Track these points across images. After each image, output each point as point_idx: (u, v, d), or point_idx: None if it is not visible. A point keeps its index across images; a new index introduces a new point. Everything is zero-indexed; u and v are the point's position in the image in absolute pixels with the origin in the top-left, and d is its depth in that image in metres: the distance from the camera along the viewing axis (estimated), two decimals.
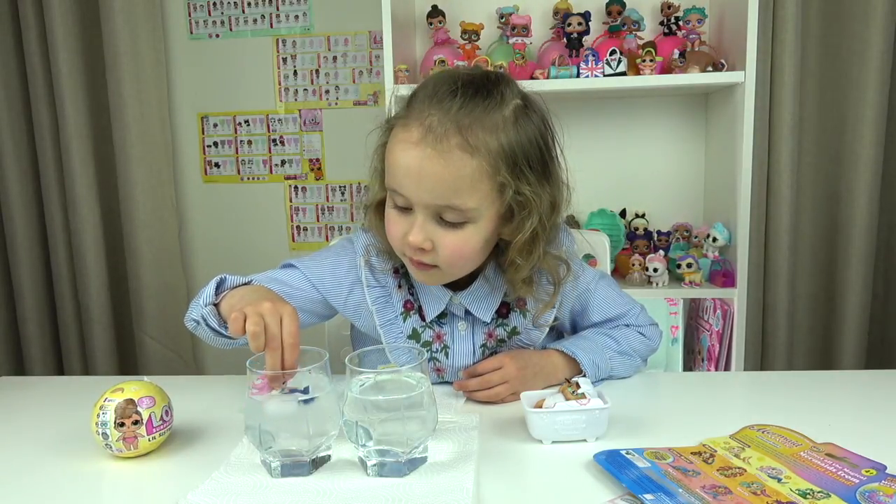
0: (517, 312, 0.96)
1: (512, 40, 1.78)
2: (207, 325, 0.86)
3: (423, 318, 0.95)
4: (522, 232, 0.83)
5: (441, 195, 0.80)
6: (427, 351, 0.95)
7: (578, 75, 1.67)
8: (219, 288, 0.87)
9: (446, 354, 0.96)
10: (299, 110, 2.17)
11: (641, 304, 1.06)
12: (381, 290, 0.95)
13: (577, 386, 0.81)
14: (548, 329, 0.99)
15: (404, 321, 0.95)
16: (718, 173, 1.84)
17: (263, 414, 0.71)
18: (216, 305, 0.86)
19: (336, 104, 2.15)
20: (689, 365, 1.88)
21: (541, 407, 0.79)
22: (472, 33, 1.80)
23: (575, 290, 0.99)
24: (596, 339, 0.99)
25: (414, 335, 0.95)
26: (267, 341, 0.71)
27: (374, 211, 0.91)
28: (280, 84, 2.17)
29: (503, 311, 0.96)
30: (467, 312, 0.95)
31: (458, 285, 0.93)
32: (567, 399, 0.79)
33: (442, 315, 0.95)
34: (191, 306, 0.89)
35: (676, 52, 1.68)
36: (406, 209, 0.83)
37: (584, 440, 0.78)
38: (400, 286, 0.95)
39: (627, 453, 0.72)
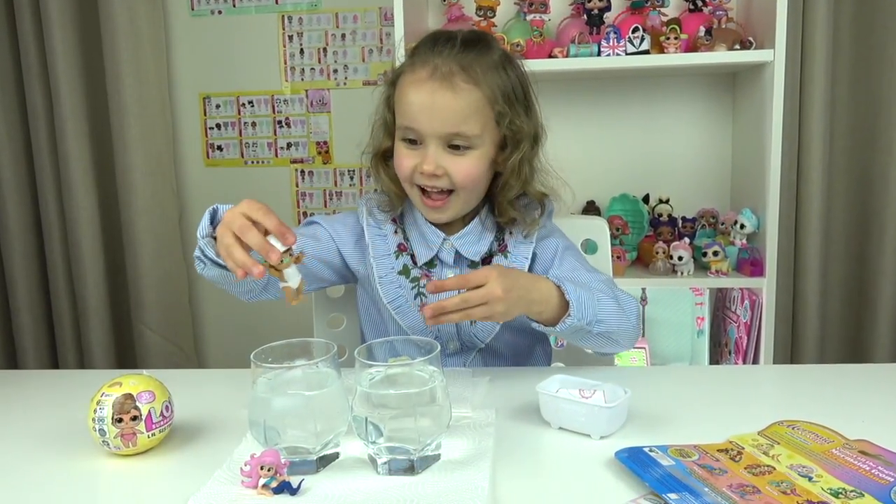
0: (499, 255, 1.06)
1: (529, 17, 1.75)
2: (206, 257, 0.88)
3: (414, 263, 1.05)
4: (516, 154, 0.98)
5: (452, 123, 0.94)
6: (415, 286, 1.04)
7: (599, 53, 1.64)
8: (213, 219, 0.88)
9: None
10: (306, 90, 2.14)
11: (609, 276, 1.13)
12: (378, 230, 1.07)
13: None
14: (528, 264, 1.05)
15: (396, 258, 1.06)
16: (746, 157, 1.81)
17: (269, 409, 0.70)
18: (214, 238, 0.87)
19: (345, 84, 2.11)
20: (715, 358, 1.86)
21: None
22: (487, 9, 1.77)
23: (549, 244, 1.08)
24: (589, 283, 1.00)
25: (404, 271, 1.05)
26: (243, 241, 0.76)
27: (379, 159, 1.04)
28: (286, 63, 2.13)
29: (487, 260, 1.06)
30: (456, 260, 1.05)
31: (452, 229, 1.05)
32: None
33: (431, 263, 1.05)
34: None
35: (702, 29, 1.65)
36: (415, 143, 0.97)
37: (589, 435, 0.77)
38: (396, 232, 1.07)
39: (651, 450, 0.71)
